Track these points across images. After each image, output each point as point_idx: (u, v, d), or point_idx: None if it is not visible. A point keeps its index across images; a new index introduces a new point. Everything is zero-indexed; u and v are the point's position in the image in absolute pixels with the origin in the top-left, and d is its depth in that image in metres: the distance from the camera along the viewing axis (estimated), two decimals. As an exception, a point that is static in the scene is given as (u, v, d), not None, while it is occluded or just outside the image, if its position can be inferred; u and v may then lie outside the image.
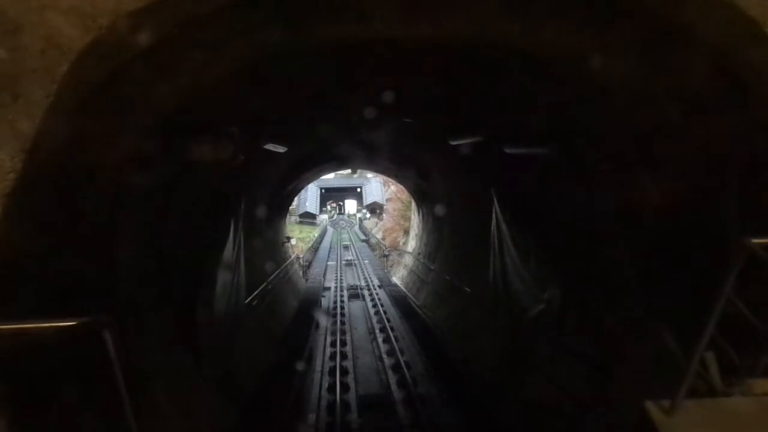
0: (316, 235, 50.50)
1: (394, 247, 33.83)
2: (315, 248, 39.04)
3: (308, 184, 30.15)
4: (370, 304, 18.51)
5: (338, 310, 17.51)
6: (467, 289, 12.09)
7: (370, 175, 59.87)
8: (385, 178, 38.87)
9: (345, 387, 10.16)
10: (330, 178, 65.96)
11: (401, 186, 28.30)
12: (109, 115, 3.56)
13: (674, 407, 2.67)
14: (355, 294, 20.94)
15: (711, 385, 2.92)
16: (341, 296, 20.40)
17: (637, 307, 5.46)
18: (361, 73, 6.34)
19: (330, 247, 43.15)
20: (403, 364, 11.13)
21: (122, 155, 4.20)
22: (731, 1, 2.81)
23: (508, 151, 7.01)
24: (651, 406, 2.76)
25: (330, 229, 60.38)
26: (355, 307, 18.53)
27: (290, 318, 14.80)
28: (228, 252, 7.91)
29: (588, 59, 4.16)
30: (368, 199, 71.26)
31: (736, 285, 2.55)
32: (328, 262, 32.99)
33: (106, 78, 3.00)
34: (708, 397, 2.89)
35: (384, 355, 12.15)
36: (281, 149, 8.84)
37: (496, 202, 8.98)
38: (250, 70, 4.67)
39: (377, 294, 20.50)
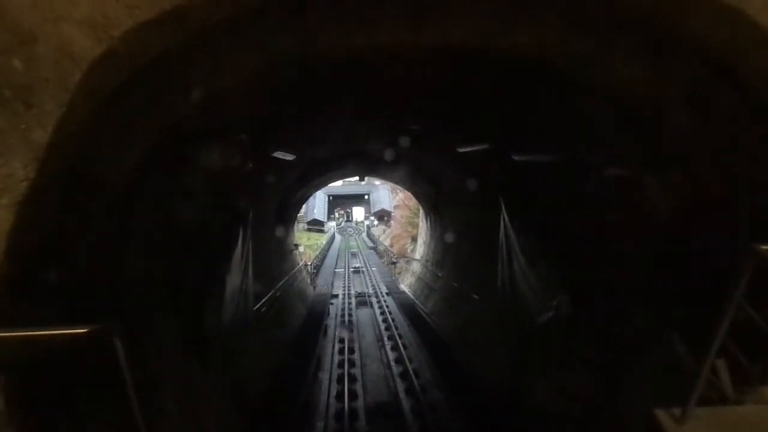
0: (323, 242, 50.51)
1: (402, 255, 33.78)
2: (323, 255, 39.05)
3: (316, 191, 30.24)
4: (378, 312, 18.48)
5: (346, 318, 17.48)
6: (475, 296, 12.05)
7: (377, 182, 60.00)
8: (393, 185, 38.91)
9: (353, 395, 10.14)
10: (338, 186, 66.11)
11: (409, 193, 28.32)
12: (120, 122, 3.60)
13: (685, 415, 2.65)
14: (363, 301, 20.90)
15: (722, 393, 2.90)
16: (349, 303, 20.36)
17: (647, 313, 5.42)
18: (369, 81, 6.37)
19: (338, 255, 43.14)
20: (411, 371, 11.09)
21: (132, 162, 4.23)
22: (738, 8, 2.81)
23: (515, 157, 7.01)
24: (661, 414, 2.74)
25: (338, 237, 60.42)
26: (363, 314, 18.50)
27: (298, 325, 14.80)
28: (236, 259, 7.94)
29: (593, 65, 4.16)
30: (376, 207, 71.36)
31: (746, 291, 2.54)
32: (336, 270, 32.96)
33: (117, 87, 3.04)
34: (719, 405, 2.87)
35: (392, 363, 12.12)
36: (290, 157, 8.90)
37: (503, 209, 8.97)
38: (260, 78, 4.71)
39: (385, 301, 20.46)
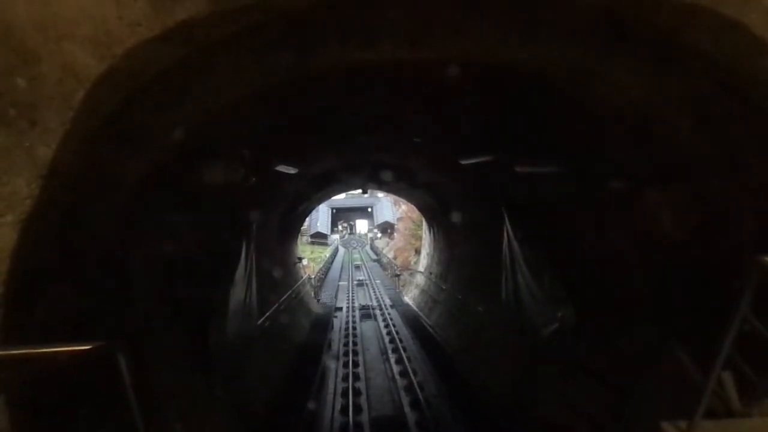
0: (327, 255, 50.49)
1: (406, 267, 33.69)
2: (326, 269, 39.00)
3: (319, 204, 30.30)
4: (382, 325, 18.39)
5: (350, 331, 17.41)
6: (480, 308, 12.00)
7: (380, 194, 60.01)
8: (396, 197, 38.93)
9: (358, 408, 10.08)
10: (341, 198, 66.18)
11: (412, 205, 28.34)
12: (122, 139, 3.62)
13: (692, 428, 2.63)
14: (366, 314, 20.80)
15: (729, 406, 2.87)
16: (353, 316, 20.28)
17: (653, 325, 5.39)
18: (370, 95, 6.40)
19: (341, 267, 43.07)
20: (416, 384, 11.02)
21: (135, 178, 4.26)
22: (737, 20, 2.82)
23: (518, 170, 7.01)
24: (668, 427, 2.72)
25: (341, 249, 60.40)
26: (367, 327, 18.42)
27: (302, 339, 14.74)
28: (240, 273, 7.94)
29: (594, 78, 4.18)
30: (379, 219, 71.29)
31: (751, 303, 2.52)
32: (340, 282, 32.90)
33: (120, 104, 3.07)
34: (726, 418, 2.84)
35: (397, 376, 12.06)
36: (292, 171, 8.91)
37: (507, 221, 8.96)
38: (261, 93, 4.74)
39: (389, 314, 20.36)
